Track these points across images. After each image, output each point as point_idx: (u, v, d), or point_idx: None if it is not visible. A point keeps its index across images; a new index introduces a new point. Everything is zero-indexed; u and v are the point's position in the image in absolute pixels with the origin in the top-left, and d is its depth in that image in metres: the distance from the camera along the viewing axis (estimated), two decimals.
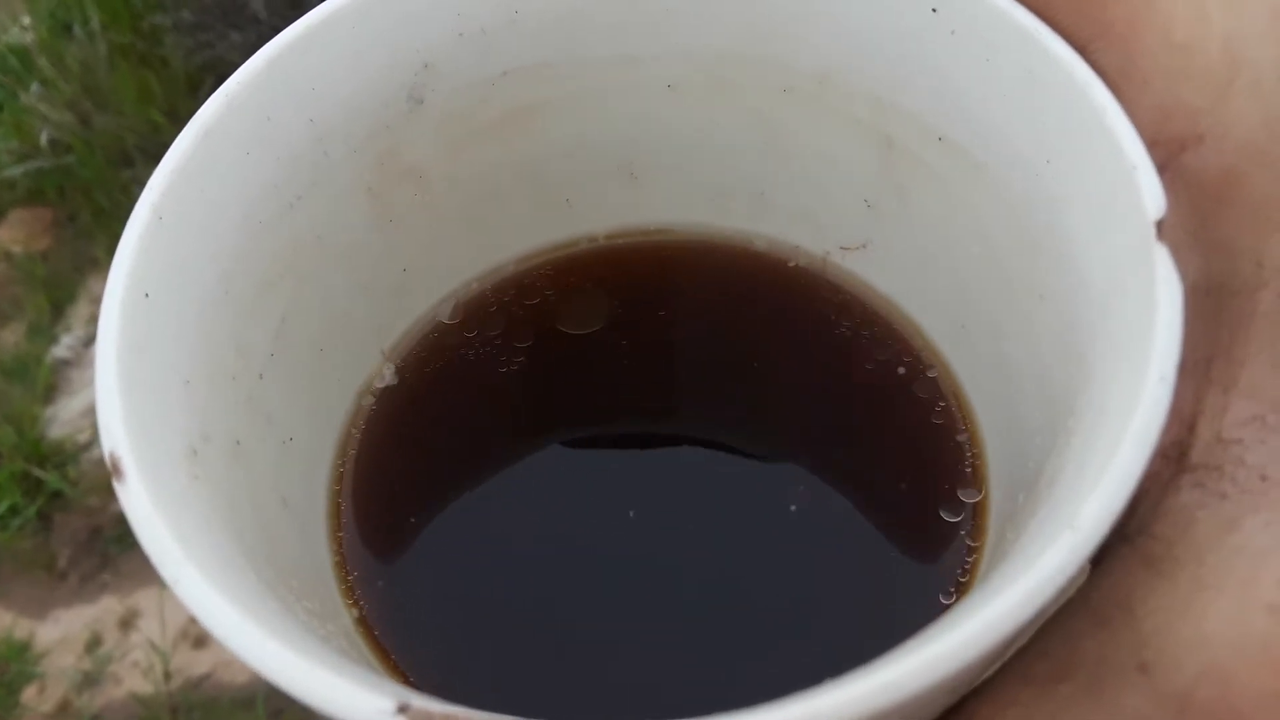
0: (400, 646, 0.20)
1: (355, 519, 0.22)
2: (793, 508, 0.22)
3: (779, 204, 0.24)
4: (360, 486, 0.22)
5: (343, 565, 0.21)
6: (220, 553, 0.15)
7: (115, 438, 0.15)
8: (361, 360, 0.23)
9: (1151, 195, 0.14)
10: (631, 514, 0.22)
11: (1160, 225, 0.14)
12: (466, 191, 0.23)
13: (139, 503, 0.15)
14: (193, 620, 0.93)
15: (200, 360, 0.18)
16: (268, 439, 0.19)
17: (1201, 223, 0.14)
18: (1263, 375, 0.13)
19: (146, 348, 0.16)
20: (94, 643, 0.95)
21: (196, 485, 0.16)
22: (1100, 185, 0.16)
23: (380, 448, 0.23)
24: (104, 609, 0.97)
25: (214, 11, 1.09)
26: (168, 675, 0.92)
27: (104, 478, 1.04)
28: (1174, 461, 0.13)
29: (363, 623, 0.20)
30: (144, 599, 0.97)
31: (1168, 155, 0.15)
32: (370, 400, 0.23)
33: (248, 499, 0.18)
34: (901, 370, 0.23)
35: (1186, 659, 0.12)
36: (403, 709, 0.12)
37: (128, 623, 0.96)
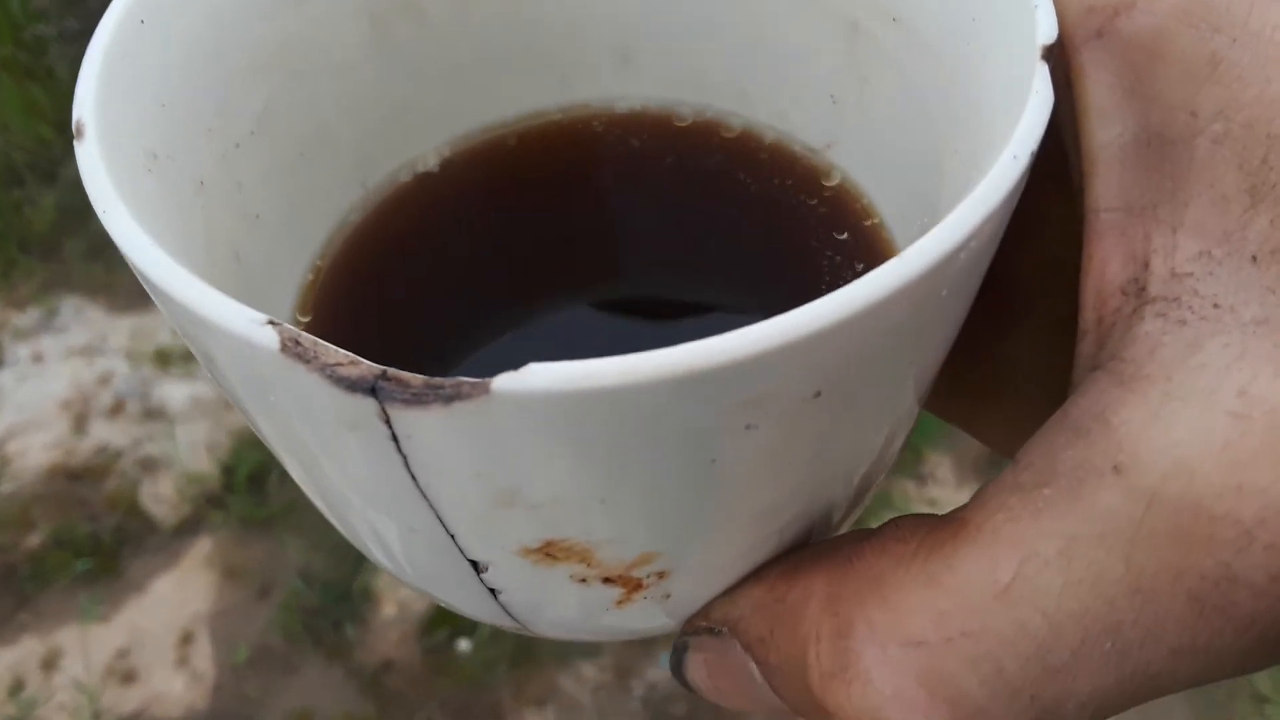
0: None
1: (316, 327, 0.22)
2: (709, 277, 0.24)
3: (758, 100, 0.25)
4: (322, 308, 0.22)
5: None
6: (159, 220, 0.16)
7: (84, 106, 0.16)
8: (341, 187, 0.23)
9: (1045, 24, 0.16)
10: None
11: (1048, 49, 0.15)
12: (466, 41, 0.23)
13: (89, 155, 0.15)
14: (119, 655, 0.89)
15: (180, 97, 0.18)
16: (233, 202, 0.20)
17: (1137, 79, 0.15)
18: (1205, 214, 0.14)
19: (133, 55, 0.17)
20: (16, 687, 0.91)
21: (150, 177, 0.17)
22: (1006, 33, 0.17)
23: (345, 275, 0.23)
24: (25, 650, 0.93)
25: (100, 19, 1.04)
26: (97, 716, 0.88)
27: (15, 513, 1.00)
28: (1134, 297, 0.14)
29: None
30: (65, 636, 0.93)
31: (1104, 20, 0.16)
32: (345, 229, 0.23)
33: (201, 227, 0.18)
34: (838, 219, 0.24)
35: (1156, 460, 0.13)
36: (272, 323, 0.13)
37: (50, 663, 0.92)
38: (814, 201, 0.24)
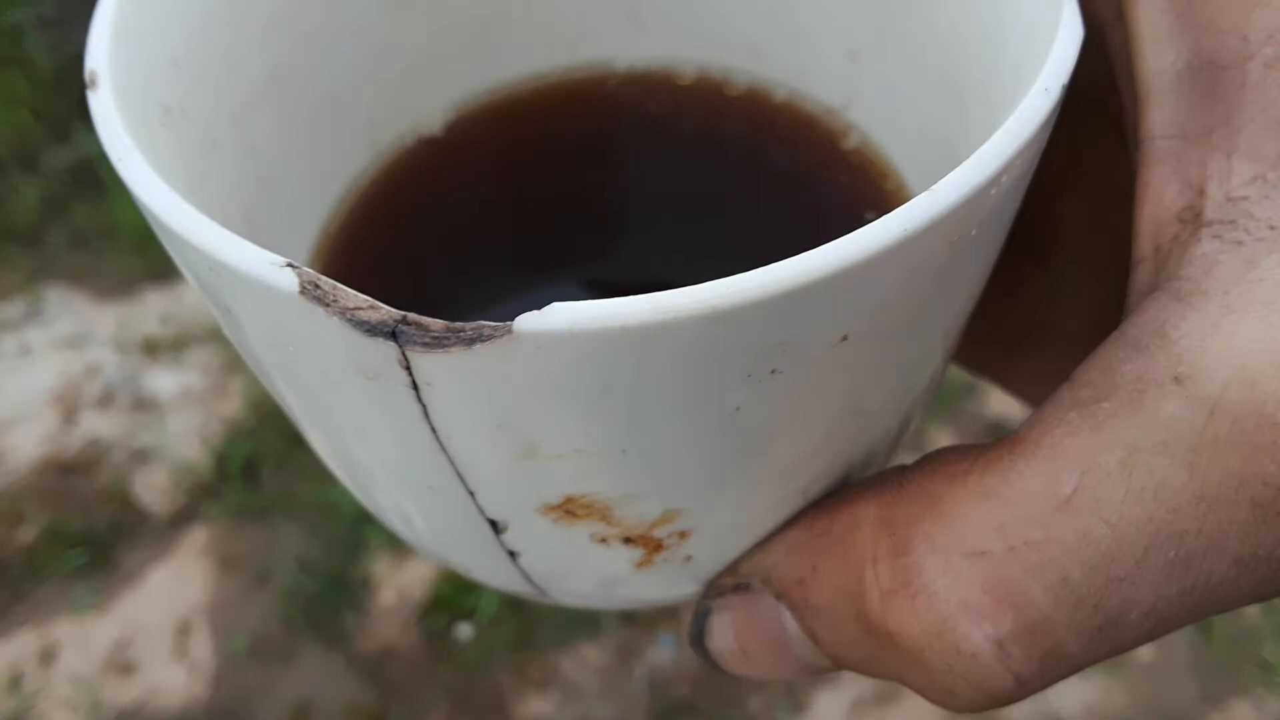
0: None
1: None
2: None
3: (776, 61, 0.24)
4: (330, 274, 0.22)
5: None
6: (172, 174, 0.15)
7: (97, 56, 0.16)
8: (351, 152, 0.23)
9: None
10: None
11: None
12: (478, 3, 0.23)
13: (103, 104, 0.15)
14: (117, 647, 0.89)
15: (192, 55, 0.18)
16: (246, 165, 0.19)
17: (1189, 5, 0.15)
18: (1259, 138, 0.14)
19: (144, 8, 0.17)
20: (14, 682, 0.90)
21: (163, 131, 0.17)
22: None
23: (353, 241, 0.23)
24: (21, 644, 0.92)
25: (77, 3, 1.03)
26: (96, 708, 0.88)
27: (7, 508, 0.99)
28: (1189, 223, 0.14)
29: None
30: (62, 629, 0.92)
31: None
32: (353, 194, 0.23)
33: (215, 186, 0.18)
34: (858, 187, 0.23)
35: (1218, 369, 0.13)
36: (291, 265, 0.12)
37: (48, 657, 0.91)
38: (831, 162, 0.24)
